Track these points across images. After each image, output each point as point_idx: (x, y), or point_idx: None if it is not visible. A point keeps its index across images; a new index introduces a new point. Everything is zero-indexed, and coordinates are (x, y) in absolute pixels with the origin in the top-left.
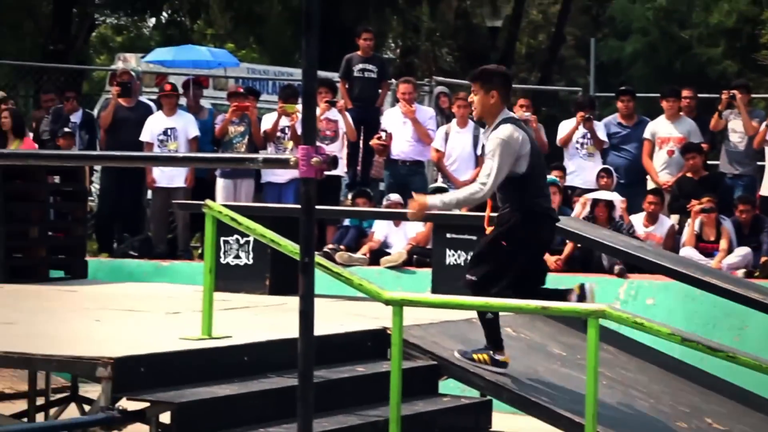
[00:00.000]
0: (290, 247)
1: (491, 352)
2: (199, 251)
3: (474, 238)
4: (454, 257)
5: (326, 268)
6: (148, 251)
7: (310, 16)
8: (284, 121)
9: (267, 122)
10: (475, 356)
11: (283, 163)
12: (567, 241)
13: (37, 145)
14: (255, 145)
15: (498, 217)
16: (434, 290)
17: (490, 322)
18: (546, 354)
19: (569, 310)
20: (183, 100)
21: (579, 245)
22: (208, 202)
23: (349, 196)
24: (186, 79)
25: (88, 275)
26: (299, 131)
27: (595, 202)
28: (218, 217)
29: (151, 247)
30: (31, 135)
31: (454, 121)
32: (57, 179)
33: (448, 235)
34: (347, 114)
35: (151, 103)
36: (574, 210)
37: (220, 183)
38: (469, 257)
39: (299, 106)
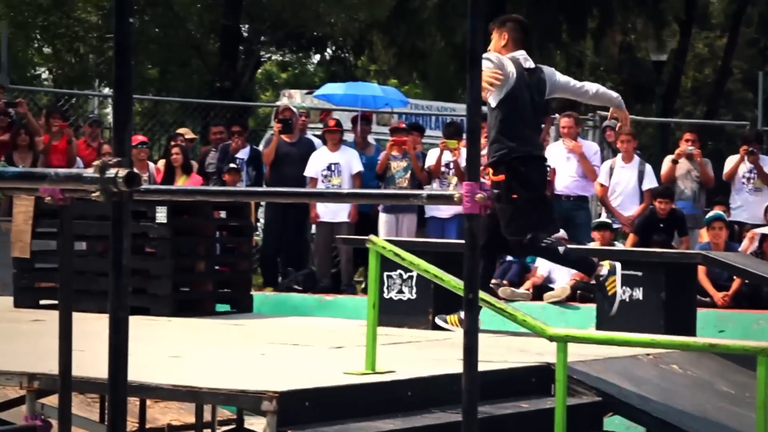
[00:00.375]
0: (453, 283)
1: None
2: (363, 285)
3: (639, 273)
4: (619, 292)
5: (490, 303)
6: (312, 285)
7: (473, 52)
8: (447, 157)
9: (431, 158)
10: (448, 318)
11: (447, 200)
12: (734, 276)
13: (203, 180)
14: (418, 180)
15: (491, 165)
16: (599, 326)
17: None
18: (714, 391)
19: (738, 347)
20: (349, 136)
21: (747, 281)
22: (372, 237)
23: None
24: (354, 115)
25: (254, 309)
26: (462, 166)
27: (764, 237)
28: (382, 252)
29: (315, 282)
30: (195, 168)
31: (619, 155)
32: (223, 214)
33: None
34: None
35: (315, 139)
36: (741, 245)
37: (383, 218)
38: (633, 292)
39: (464, 141)
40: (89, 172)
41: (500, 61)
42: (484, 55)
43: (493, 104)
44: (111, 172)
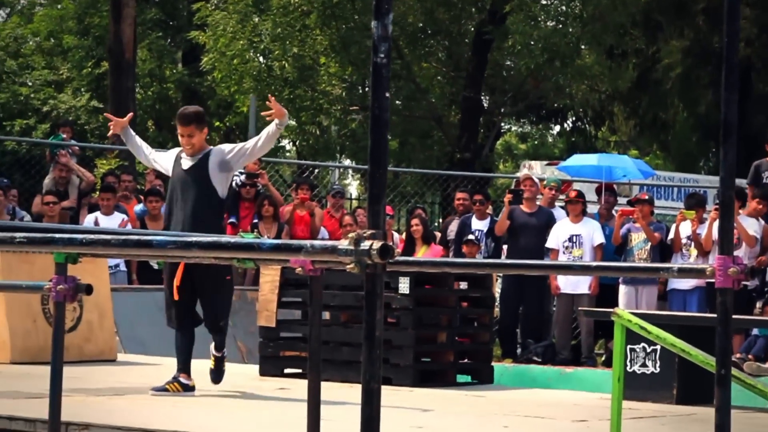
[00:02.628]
0: (701, 357)
1: (181, 378)
2: (603, 358)
3: None
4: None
5: (740, 379)
6: (552, 357)
7: (728, 124)
8: (686, 229)
9: (674, 230)
10: (168, 387)
11: (699, 273)
12: None
13: (443, 250)
14: (657, 251)
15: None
16: None
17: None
18: None
19: None
20: (594, 208)
21: None
22: (617, 310)
23: (758, 305)
24: (598, 186)
25: (494, 380)
26: (701, 238)
27: None
28: (627, 325)
29: (555, 354)
30: (438, 238)
31: None
32: (464, 285)
33: None
34: (746, 220)
35: (557, 209)
36: None
37: (623, 289)
38: None
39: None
40: (344, 244)
41: None
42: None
43: (220, 196)
44: (365, 245)
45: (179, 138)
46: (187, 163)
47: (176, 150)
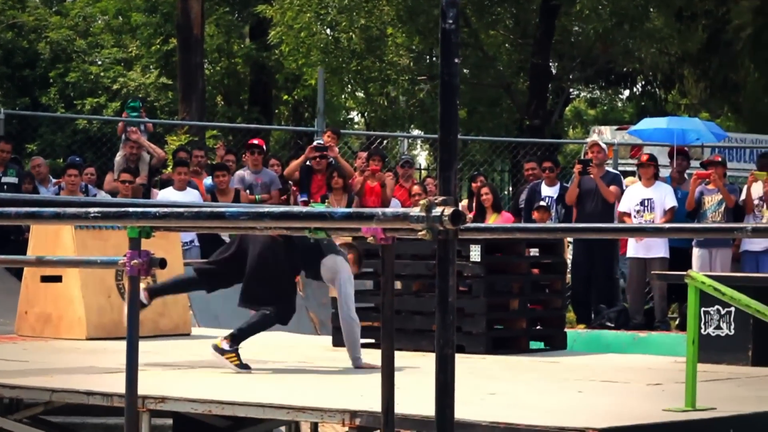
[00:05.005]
0: None
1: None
2: (677, 322)
3: None
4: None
5: None
6: (625, 322)
7: None
8: (758, 190)
9: (746, 192)
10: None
11: None
12: None
13: (514, 219)
14: (731, 214)
15: None
16: None
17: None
18: None
19: None
20: (665, 172)
21: None
22: (691, 272)
23: None
24: (670, 149)
25: (567, 346)
26: None
27: None
28: (701, 287)
29: (628, 318)
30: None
31: None
32: (535, 252)
33: None
34: None
35: (618, 173)
36: None
37: (696, 252)
38: None
39: None
40: (416, 211)
41: None
42: None
43: None
44: (437, 211)
45: None
46: None
47: None
